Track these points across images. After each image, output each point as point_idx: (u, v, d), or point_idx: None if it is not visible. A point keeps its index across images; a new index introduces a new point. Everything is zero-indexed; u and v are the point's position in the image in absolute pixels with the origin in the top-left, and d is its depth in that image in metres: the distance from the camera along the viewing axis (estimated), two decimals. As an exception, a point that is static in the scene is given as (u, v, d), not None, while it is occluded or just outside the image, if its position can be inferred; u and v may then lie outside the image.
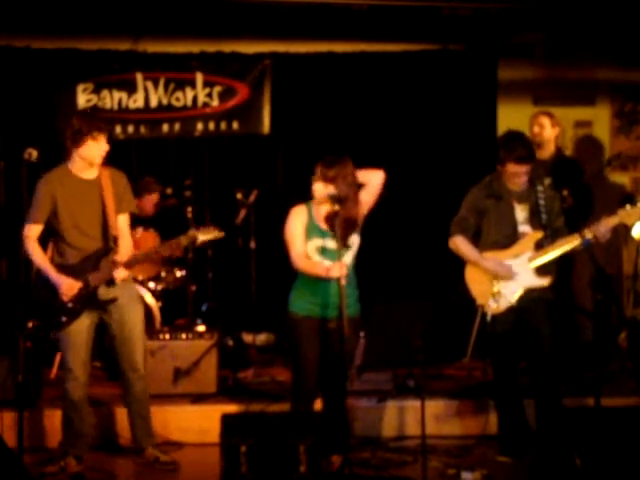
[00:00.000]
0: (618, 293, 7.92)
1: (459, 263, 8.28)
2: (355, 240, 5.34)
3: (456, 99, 8.64)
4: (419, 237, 8.59)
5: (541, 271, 5.64)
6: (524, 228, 5.71)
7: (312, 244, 5.29)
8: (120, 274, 5.48)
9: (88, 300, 5.47)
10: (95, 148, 5.44)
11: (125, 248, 5.58)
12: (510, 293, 5.65)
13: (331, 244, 5.26)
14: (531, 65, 8.79)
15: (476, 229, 5.83)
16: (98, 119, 5.54)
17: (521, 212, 5.71)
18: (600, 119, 8.92)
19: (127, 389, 5.68)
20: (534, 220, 5.67)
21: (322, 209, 5.31)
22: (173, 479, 5.61)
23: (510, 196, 5.71)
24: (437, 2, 7.69)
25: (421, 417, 5.05)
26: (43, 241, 5.65)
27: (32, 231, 5.49)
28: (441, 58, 8.65)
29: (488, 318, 5.63)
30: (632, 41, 8.51)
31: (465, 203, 5.86)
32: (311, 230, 5.30)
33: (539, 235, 5.65)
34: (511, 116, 8.72)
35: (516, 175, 5.62)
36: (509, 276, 5.63)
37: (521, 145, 5.61)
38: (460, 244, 5.80)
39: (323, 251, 5.28)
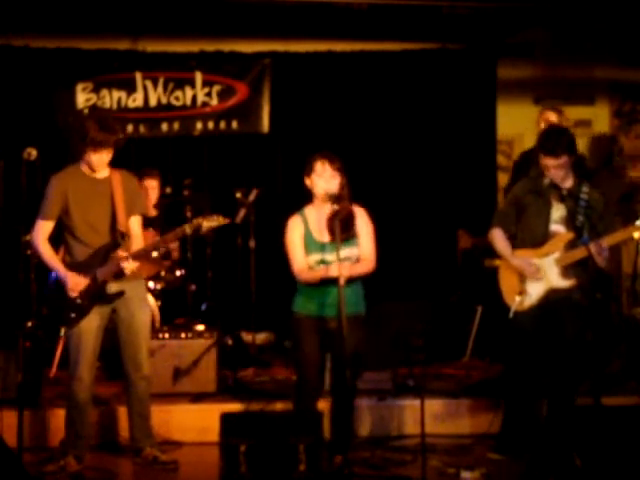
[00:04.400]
0: (617, 292, 7.92)
1: (457, 263, 8.34)
2: (354, 251, 5.32)
3: (456, 98, 8.65)
4: (419, 237, 8.60)
5: (567, 272, 5.58)
6: (557, 227, 5.61)
7: (312, 258, 5.30)
8: (129, 266, 5.46)
9: (97, 295, 5.47)
10: (94, 158, 5.44)
11: (136, 248, 5.58)
12: (535, 292, 5.60)
13: (329, 257, 5.25)
14: (531, 64, 8.80)
15: (518, 223, 5.75)
16: (109, 129, 5.43)
17: (557, 211, 5.61)
18: (599, 118, 8.94)
19: (129, 388, 5.68)
20: (570, 220, 5.57)
21: (321, 211, 5.30)
22: (173, 479, 5.60)
23: (551, 194, 5.61)
24: (437, 1, 7.70)
25: (421, 416, 5.06)
26: (54, 245, 5.64)
27: (43, 228, 5.49)
28: (441, 57, 8.66)
29: (510, 314, 5.60)
30: (631, 40, 8.52)
31: (509, 195, 5.83)
32: (309, 245, 5.31)
33: (570, 236, 5.54)
34: (511, 115, 8.75)
35: (546, 168, 5.56)
36: (534, 276, 5.60)
37: (550, 138, 5.54)
38: (495, 237, 5.76)
39: (324, 263, 5.28)
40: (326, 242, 5.29)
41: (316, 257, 5.30)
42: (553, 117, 7.00)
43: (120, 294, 5.51)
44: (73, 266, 5.49)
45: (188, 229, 5.47)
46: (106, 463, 5.73)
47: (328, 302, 5.27)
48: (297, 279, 5.34)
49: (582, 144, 7.77)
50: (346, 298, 5.20)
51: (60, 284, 5.45)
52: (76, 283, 5.42)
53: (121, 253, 5.45)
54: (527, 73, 8.82)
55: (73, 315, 5.43)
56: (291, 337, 5.47)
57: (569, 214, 5.58)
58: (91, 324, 5.47)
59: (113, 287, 5.51)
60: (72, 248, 5.54)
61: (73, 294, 5.42)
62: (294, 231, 5.35)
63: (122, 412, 5.98)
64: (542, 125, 6.97)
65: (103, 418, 6.12)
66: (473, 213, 8.27)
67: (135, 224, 5.62)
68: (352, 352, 5.12)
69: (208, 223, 5.45)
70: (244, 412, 6.05)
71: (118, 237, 5.52)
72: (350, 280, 5.16)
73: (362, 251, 5.34)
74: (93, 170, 5.51)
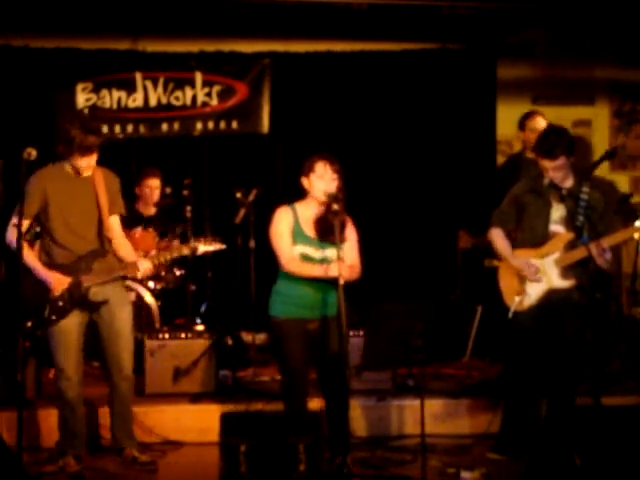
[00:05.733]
0: (617, 292, 7.91)
1: (457, 263, 8.34)
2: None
3: (455, 98, 8.65)
4: (419, 237, 8.60)
5: (567, 273, 5.57)
6: (557, 228, 5.60)
7: (296, 250, 5.23)
8: (144, 265, 5.48)
9: (79, 301, 5.47)
10: (82, 161, 5.44)
11: (125, 247, 5.61)
12: (534, 292, 5.60)
13: (315, 253, 5.23)
14: (530, 64, 8.80)
15: (517, 222, 5.75)
16: (95, 132, 5.46)
17: (557, 211, 5.60)
18: (599, 118, 8.94)
19: (112, 389, 5.68)
20: (570, 221, 5.55)
21: (313, 210, 5.29)
22: (172, 478, 5.60)
23: (550, 194, 5.59)
24: (436, 1, 7.70)
25: (420, 416, 5.06)
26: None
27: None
28: (440, 57, 8.66)
29: (510, 314, 5.60)
30: (631, 40, 8.52)
31: (508, 195, 5.80)
32: (296, 236, 5.25)
33: (570, 237, 5.54)
34: (510, 115, 8.71)
35: (545, 169, 5.55)
36: (533, 277, 5.59)
37: (549, 139, 5.52)
38: (495, 237, 5.76)
39: (306, 259, 5.24)
40: (313, 238, 5.25)
41: (301, 249, 5.23)
42: (543, 122, 6.86)
43: (103, 302, 5.52)
44: (52, 267, 5.48)
45: (185, 250, 5.59)
46: (105, 463, 5.73)
47: (308, 304, 5.24)
48: (285, 269, 5.24)
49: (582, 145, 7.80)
50: (329, 300, 5.23)
51: (40, 285, 5.44)
52: (59, 282, 5.42)
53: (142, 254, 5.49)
54: (527, 73, 8.81)
55: (53, 317, 5.44)
56: (274, 342, 5.41)
57: (569, 214, 5.57)
58: (72, 322, 5.47)
59: (98, 294, 5.51)
60: (49, 250, 5.52)
61: (57, 293, 5.42)
62: (283, 221, 5.26)
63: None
64: (531, 137, 6.65)
65: (103, 418, 6.11)
66: (473, 213, 8.26)
67: (116, 223, 5.63)
68: (335, 352, 5.18)
69: (205, 247, 5.59)
70: (244, 412, 6.04)
71: (106, 243, 5.53)
72: (334, 282, 5.09)
73: (349, 257, 5.28)
74: (80, 174, 5.50)
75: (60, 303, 5.44)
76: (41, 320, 5.45)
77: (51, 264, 5.49)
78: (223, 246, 5.69)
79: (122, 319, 5.61)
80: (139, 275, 5.57)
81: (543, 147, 5.53)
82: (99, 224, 5.52)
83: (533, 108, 8.05)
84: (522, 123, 7.06)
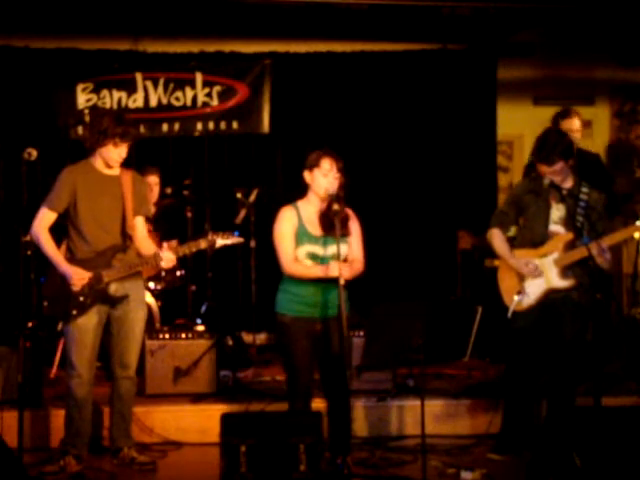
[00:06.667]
0: (617, 292, 7.92)
1: (457, 263, 8.34)
2: (343, 249, 5.23)
3: (456, 98, 8.66)
4: (419, 237, 8.60)
5: (566, 273, 5.58)
6: (556, 228, 5.61)
7: (303, 250, 5.23)
8: (167, 255, 5.46)
9: (99, 296, 5.48)
10: (114, 152, 5.48)
11: (147, 245, 5.63)
12: (533, 292, 5.61)
13: (320, 251, 5.23)
14: (531, 65, 8.82)
15: (517, 223, 5.78)
16: (127, 123, 5.53)
17: (557, 211, 5.61)
18: (599, 119, 8.94)
19: (114, 387, 5.68)
20: (569, 221, 5.56)
21: (315, 207, 5.28)
22: (172, 478, 5.60)
23: (550, 194, 5.60)
24: (437, 2, 7.71)
25: (421, 416, 5.05)
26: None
27: (47, 217, 5.47)
28: (441, 58, 8.67)
29: (509, 314, 5.61)
30: (631, 41, 8.53)
31: (508, 196, 5.83)
32: (301, 236, 5.24)
33: (569, 237, 5.55)
34: (511, 115, 8.75)
35: (543, 173, 5.57)
36: (533, 276, 5.60)
37: (544, 146, 5.53)
38: (494, 238, 5.77)
39: (313, 257, 5.23)
40: (318, 236, 5.24)
41: (307, 248, 5.22)
42: (579, 124, 6.76)
43: (123, 298, 5.53)
44: (73, 262, 5.48)
45: (203, 244, 5.53)
46: (106, 463, 5.74)
47: (314, 303, 5.23)
48: (285, 272, 5.24)
49: (582, 145, 7.78)
50: (332, 300, 5.20)
51: (62, 279, 5.44)
52: (79, 277, 5.42)
53: (169, 245, 5.51)
54: (527, 73, 8.83)
55: (74, 312, 5.44)
56: (280, 340, 5.39)
57: (569, 214, 5.57)
58: (90, 321, 5.47)
59: (119, 290, 5.53)
60: (75, 246, 5.52)
61: (75, 288, 5.42)
62: (286, 221, 5.25)
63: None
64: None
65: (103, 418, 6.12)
66: (473, 213, 8.28)
67: (140, 224, 5.65)
68: (337, 353, 5.16)
69: (223, 240, 5.53)
70: (244, 412, 6.05)
71: (127, 240, 5.54)
72: (335, 281, 5.08)
73: (353, 252, 5.29)
74: (111, 166, 5.53)
75: (81, 298, 5.44)
76: (62, 314, 5.45)
77: (72, 259, 5.50)
78: (241, 240, 5.67)
79: (136, 319, 5.62)
80: (162, 265, 5.54)
81: (540, 154, 5.54)
82: (123, 222, 5.54)
83: (534, 109, 8.08)
84: (556, 120, 6.94)
